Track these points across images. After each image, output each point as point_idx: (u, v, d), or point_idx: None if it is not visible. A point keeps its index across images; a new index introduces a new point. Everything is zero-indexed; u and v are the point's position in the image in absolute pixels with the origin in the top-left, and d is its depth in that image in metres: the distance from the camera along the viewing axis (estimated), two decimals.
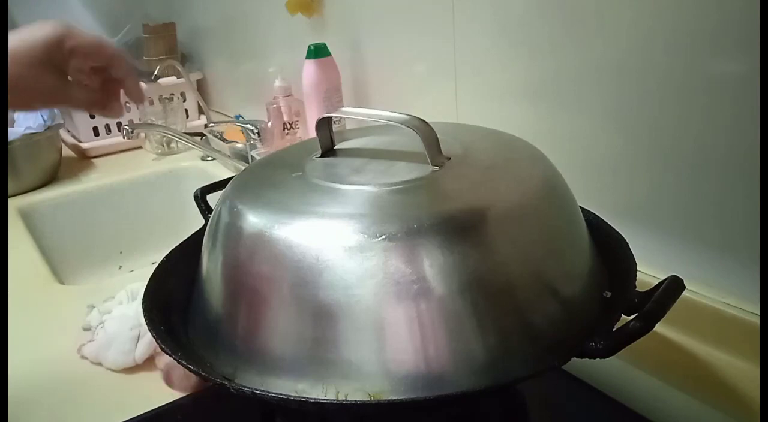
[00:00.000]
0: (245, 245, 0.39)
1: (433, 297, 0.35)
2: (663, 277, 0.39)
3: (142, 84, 0.56)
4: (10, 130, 1.09)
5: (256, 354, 0.37)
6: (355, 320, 0.35)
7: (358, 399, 0.34)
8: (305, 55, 0.92)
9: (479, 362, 0.35)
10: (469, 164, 0.42)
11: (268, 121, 1.03)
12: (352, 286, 0.35)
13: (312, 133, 0.52)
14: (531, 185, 0.41)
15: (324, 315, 0.35)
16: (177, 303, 0.46)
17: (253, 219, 0.39)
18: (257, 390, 0.35)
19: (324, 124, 0.47)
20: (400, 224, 0.35)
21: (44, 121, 1.15)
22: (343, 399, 0.35)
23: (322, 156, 0.47)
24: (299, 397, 0.35)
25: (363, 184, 0.41)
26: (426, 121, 0.42)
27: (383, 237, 0.35)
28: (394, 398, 0.34)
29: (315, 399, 0.35)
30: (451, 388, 0.34)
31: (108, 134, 1.38)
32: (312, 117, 0.95)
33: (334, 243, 0.36)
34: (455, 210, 0.37)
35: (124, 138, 1.08)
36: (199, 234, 0.49)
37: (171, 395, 0.56)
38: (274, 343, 0.37)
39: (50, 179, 1.20)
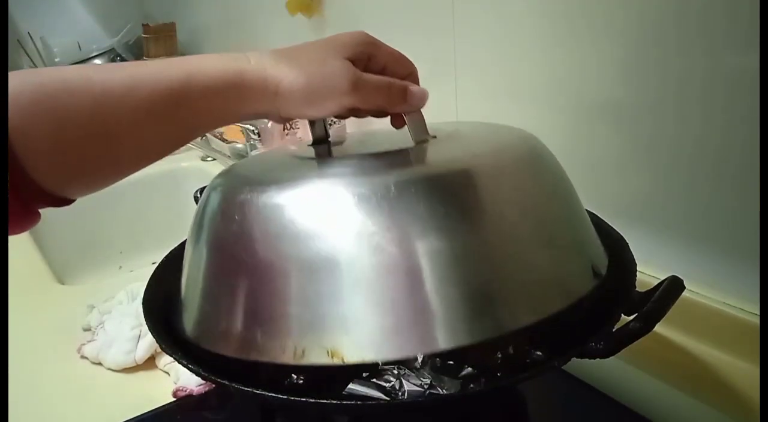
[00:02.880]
0: (226, 217, 0.39)
1: (410, 255, 0.34)
2: (663, 277, 0.39)
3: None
4: None
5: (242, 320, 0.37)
6: (333, 278, 0.34)
7: (321, 360, 0.33)
8: None
9: (459, 315, 0.34)
10: (454, 139, 0.43)
11: (268, 121, 1.03)
12: (333, 245, 0.34)
13: None
14: (513, 151, 0.41)
15: (302, 274, 0.35)
16: (177, 303, 0.45)
17: (234, 190, 0.39)
18: (257, 390, 0.35)
19: None
20: (380, 182, 0.35)
21: None
22: (340, 401, 0.35)
23: (314, 144, 0.47)
24: (299, 398, 0.34)
25: (348, 154, 0.41)
26: None
27: (363, 194, 0.35)
28: (355, 360, 0.33)
29: (315, 399, 0.35)
30: (424, 348, 0.33)
31: None
32: None
33: (314, 204, 0.35)
34: (438, 168, 0.38)
35: None
36: None
37: (171, 395, 0.56)
38: (255, 307, 0.36)
39: None
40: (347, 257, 0.34)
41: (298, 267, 0.35)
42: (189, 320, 0.41)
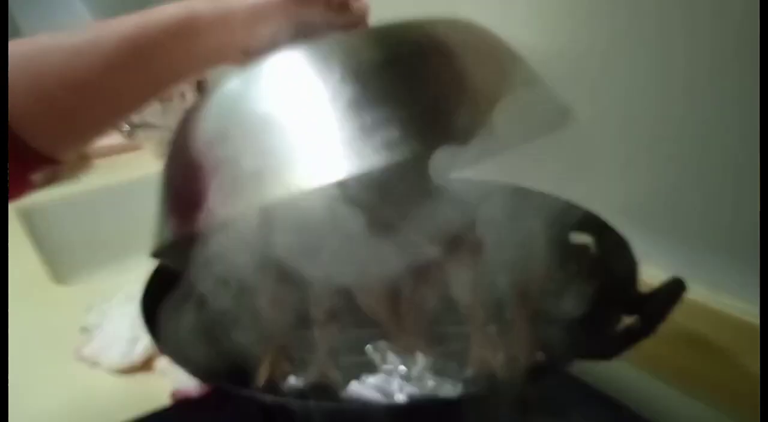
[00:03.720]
0: (185, 123, 0.39)
1: (355, 82, 0.34)
2: (663, 278, 0.39)
3: None
4: None
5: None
6: (279, 129, 0.34)
7: (281, 192, 0.33)
8: None
9: (415, 127, 0.34)
10: None
11: None
12: (277, 101, 0.35)
13: None
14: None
15: (251, 133, 0.35)
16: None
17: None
18: (257, 392, 0.35)
19: None
20: (323, 43, 0.36)
21: None
22: (340, 403, 0.35)
23: None
24: (299, 401, 0.34)
25: None
26: None
27: (312, 55, 0.35)
28: (314, 185, 0.32)
29: (315, 401, 0.35)
30: (384, 159, 0.32)
31: (108, 135, 1.38)
32: None
33: (265, 77, 0.36)
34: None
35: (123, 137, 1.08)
36: None
37: (169, 397, 0.56)
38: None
39: (50, 179, 1.20)
40: (288, 103, 0.34)
41: (247, 128, 0.35)
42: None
